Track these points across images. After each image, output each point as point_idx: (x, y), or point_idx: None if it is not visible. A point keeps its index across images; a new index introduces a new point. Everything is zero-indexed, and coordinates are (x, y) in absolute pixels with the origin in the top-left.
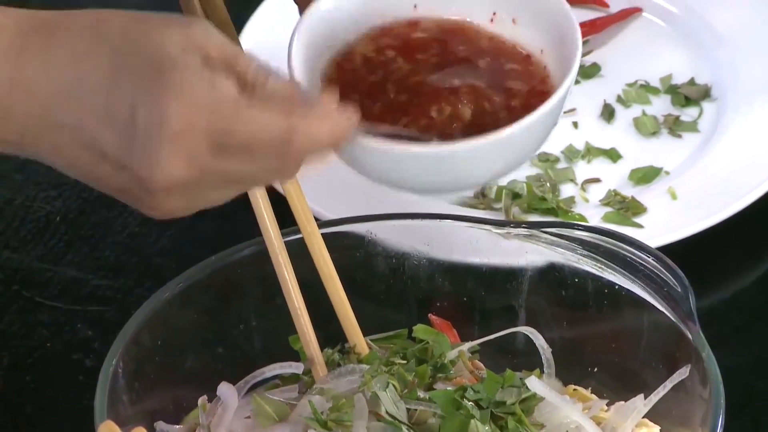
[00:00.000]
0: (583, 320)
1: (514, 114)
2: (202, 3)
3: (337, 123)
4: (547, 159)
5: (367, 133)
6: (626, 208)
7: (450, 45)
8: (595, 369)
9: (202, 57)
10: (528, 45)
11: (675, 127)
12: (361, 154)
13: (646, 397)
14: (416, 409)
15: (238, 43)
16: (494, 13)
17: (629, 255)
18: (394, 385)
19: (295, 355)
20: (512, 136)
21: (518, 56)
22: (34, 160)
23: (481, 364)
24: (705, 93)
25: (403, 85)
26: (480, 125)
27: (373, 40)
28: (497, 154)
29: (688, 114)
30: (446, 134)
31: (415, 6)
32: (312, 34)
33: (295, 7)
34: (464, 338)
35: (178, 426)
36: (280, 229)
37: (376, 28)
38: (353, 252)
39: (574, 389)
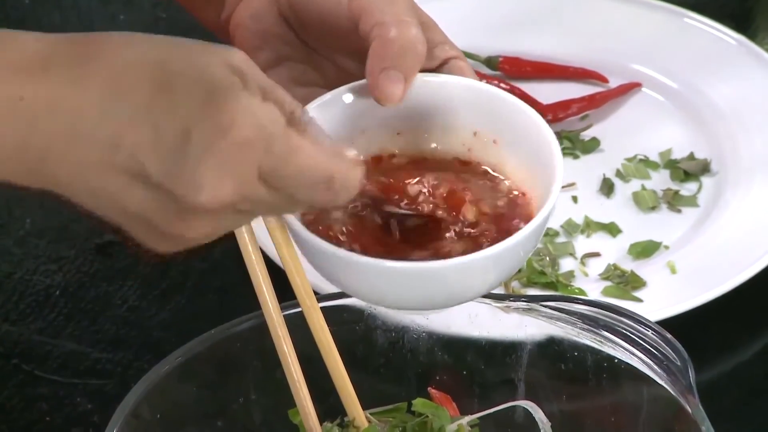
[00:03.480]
0: (583, 394)
1: (490, 235)
2: None
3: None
4: (546, 233)
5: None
6: (626, 282)
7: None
8: None
9: (244, 82)
10: (507, 166)
11: (674, 201)
12: (347, 271)
13: None
14: None
15: None
16: (475, 134)
17: (629, 329)
18: None
19: (295, 429)
20: (500, 253)
21: (494, 180)
22: (49, 189)
23: None
24: (704, 167)
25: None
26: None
27: None
28: (483, 272)
29: (688, 188)
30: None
31: (398, 132)
32: None
33: None
34: (464, 411)
35: None
36: (280, 302)
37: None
38: (353, 326)
39: None
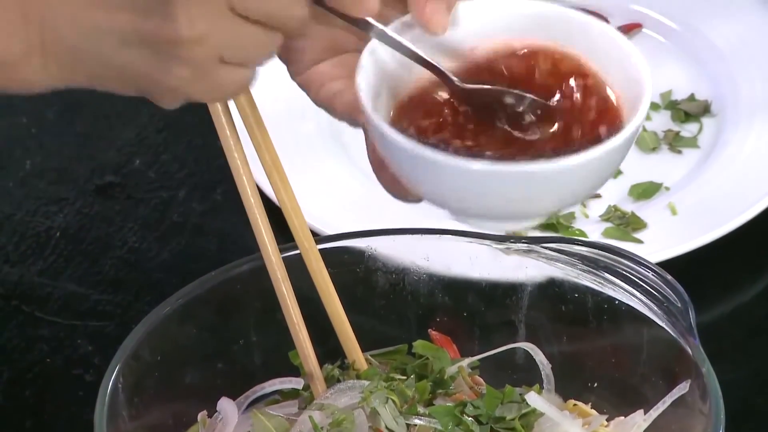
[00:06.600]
0: (583, 335)
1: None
2: None
3: None
4: None
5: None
6: (626, 223)
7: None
8: (595, 384)
9: None
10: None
11: (675, 142)
12: (426, 172)
13: (646, 413)
14: (416, 425)
15: None
16: None
17: (629, 270)
18: (393, 401)
19: (296, 370)
20: (595, 160)
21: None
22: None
23: (481, 380)
24: (705, 108)
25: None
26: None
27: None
28: (575, 179)
29: (688, 129)
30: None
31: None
32: (372, 77)
33: None
34: (464, 353)
35: None
36: (282, 243)
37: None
38: (353, 267)
39: (574, 404)
